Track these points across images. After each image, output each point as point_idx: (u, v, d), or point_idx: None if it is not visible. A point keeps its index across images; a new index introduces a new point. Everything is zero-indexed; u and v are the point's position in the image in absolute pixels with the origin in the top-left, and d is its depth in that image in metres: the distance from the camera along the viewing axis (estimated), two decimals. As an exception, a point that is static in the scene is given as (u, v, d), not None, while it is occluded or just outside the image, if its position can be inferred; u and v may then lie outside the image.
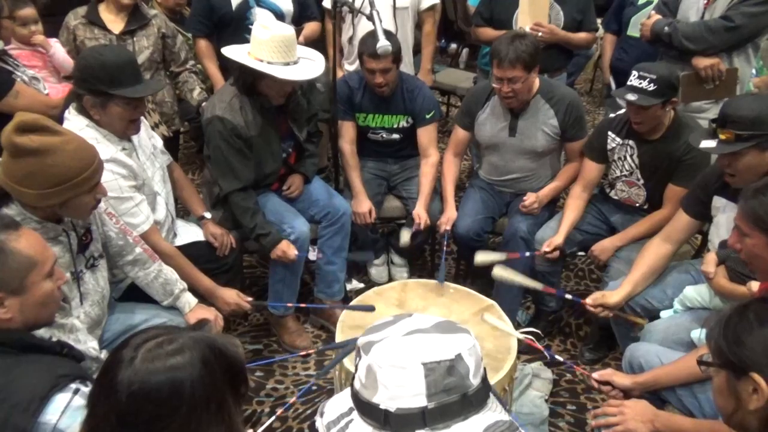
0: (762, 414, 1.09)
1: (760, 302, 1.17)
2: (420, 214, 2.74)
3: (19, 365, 1.24)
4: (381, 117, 2.88)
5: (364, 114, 2.88)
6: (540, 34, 2.93)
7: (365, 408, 0.96)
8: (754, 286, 1.78)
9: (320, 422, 1.02)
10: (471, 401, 0.95)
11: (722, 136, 1.87)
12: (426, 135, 2.88)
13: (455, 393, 0.93)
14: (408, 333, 0.99)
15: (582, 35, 3.10)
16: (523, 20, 3.00)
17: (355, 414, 0.99)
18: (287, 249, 2.44)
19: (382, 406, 0.94)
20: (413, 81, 2.91)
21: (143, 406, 0.90)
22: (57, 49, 2.68)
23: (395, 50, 2.57)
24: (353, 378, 1.01)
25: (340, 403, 1.03)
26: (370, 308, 2.08)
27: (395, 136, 2.93)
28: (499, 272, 2.36)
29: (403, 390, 0.92)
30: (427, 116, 2.85)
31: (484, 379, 0.98)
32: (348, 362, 1.81)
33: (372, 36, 2.49)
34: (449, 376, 0.93)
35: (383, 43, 2.35)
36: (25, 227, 1.40)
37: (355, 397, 0.99)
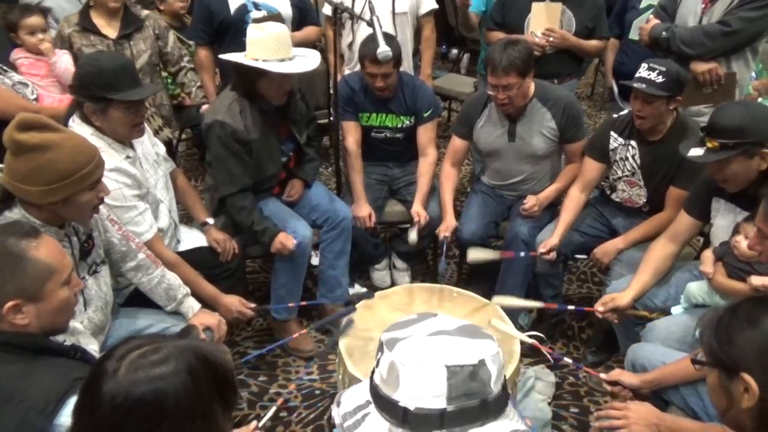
0: (754, 412, 1.10)
1: (752, 302, 1.18)
2: (419, 212, 2.76)
3: (36, 368, 1.25)
4: (384, 116, 2.89)
5: (367, 114, 2.88)
6: (551, 39, 2.95)
7: (384, 403, 0.96)
8: (756, 280, 1.81)
9: (336, 412, 1.02)
10: (490, 408, 0.96)
11: (709, 145, 1.91)
12: (425, 134, 2.89)
13: (475, 398, 0.94)
14: (433, 333, 1.00)
15: (593, 42, 3.09)
16: (535, 25, 2.99)
17: (372, 408, 0.99)
18: (285, 240, 2.44)
19: (401, 404, 0.94)
20: (413, 80, 2.91)
21: (127, 418, 0.89)
22: (61, 59, 2.66)
23: (396, 54, 2.58)
24: (373, 372, 1.01)
25: (357, 394, 1.03)
26: (370, 295, 2.15)
27: (398, 135, 2.94)
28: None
29: (424, 390, 0.93)
30: (425, 114, 2.85)
31: (504, 387, 0.98)
32: (351, 366, 1.81)
33: (372, 40, 2.49)
34: (471, 381, 0.93)
35: (383, 49, 2.36)
36: (44, 234, 1.40)
37: (374, 391, 0.99)
